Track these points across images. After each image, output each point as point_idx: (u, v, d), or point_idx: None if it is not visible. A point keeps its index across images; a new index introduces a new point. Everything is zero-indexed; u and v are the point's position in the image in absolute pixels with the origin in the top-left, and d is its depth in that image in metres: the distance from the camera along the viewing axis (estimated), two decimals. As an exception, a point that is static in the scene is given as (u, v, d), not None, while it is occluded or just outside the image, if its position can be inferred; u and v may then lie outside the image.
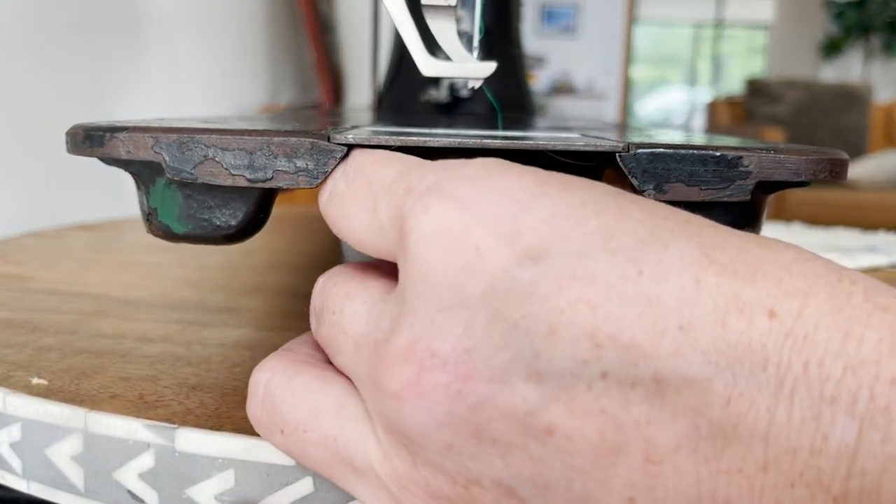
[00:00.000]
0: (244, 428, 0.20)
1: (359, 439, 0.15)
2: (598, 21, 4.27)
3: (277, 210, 0.29)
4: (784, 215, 1.92)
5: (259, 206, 0.18)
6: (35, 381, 0.23)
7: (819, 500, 0.12)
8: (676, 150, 0.17)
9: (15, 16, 0.74)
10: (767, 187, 0.18)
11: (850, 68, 4.58)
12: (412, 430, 0.14)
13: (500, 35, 0.47)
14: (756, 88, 2.91)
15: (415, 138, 0.18)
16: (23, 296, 0.33)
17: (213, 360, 0.25)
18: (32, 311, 0.31)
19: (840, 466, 0.11)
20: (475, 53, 0.29)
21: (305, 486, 0.19)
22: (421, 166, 0.15)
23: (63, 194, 0.81)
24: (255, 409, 0.17)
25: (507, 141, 0.18)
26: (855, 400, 0.11)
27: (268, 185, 0.17)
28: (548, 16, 4.32)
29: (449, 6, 0.22)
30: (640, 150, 0.17)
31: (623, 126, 0.39)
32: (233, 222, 0.18)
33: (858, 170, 2.45)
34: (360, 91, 1.74)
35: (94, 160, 0.18)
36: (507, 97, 0.46)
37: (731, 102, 3.06)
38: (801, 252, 0.13)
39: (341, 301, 0.16)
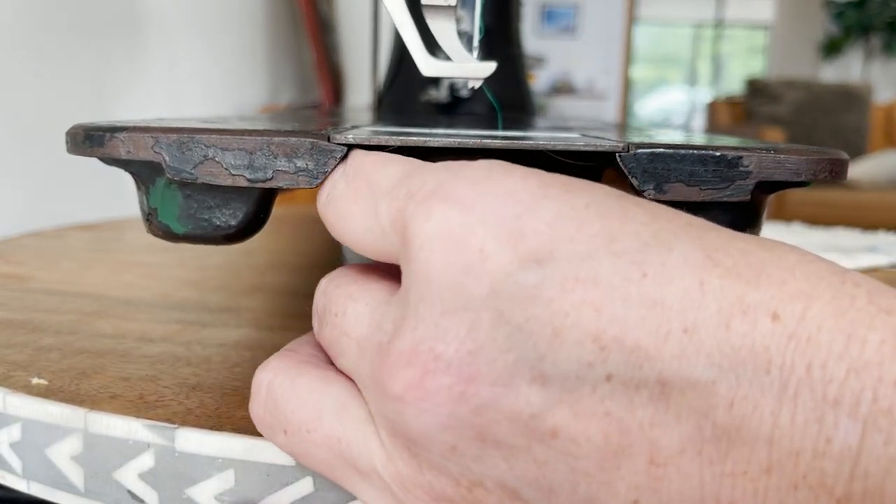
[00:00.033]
0: (244, 428, 0.20)
1: (362, 441, 0.15)
2: (598, 21, 4.27)
3: (277, 210, 0.29)
4: (784, 215, 1.92)
5: (259, 206, 0.18)
6: (35, 381, 0.23)
7: (822, 502, 0.12)
8: (676, 150, 0.17)
9: (15, 16, 0.74)
10: (767, 187, 0.18)
11: (850, 68, 4.58)
12: (415, 432, 0.14)
13: (500, 35, 0.47)
14: (756, 88, 2.91)
15: (415, 138, 0.18)
16: (23, 296, 0.33)
17: (213, 360, 0.25)
18: (32, 311, 0.31)
19: (843, 468, 0.11)
20: (475, 53, 0.29)
21: (305, 486, 0.19)
22: (422, 169, 0.15)
23: (63, 194, 0.81)
24: (258, 409, 0.17)
25: (507, 141, 0.18)
26: (858, 402, 0.11)
27: (268, 185, 0.17)
28: (548, 16, 4.32)
29: (449, 6, 0.22)
30: (640, 150, 0.17)
31: (623, 126, 0.39)
32: (233, 222, 0.18)
33: (858, 170, 2.45)
34: (360, 91, 1.74)
35: (94, 160, 0.18)
36: (507, 97, 0.46)
37: (731, 102, 3.06)
38: (804, 254, 0.13)
39: (344, 303, 0.16)
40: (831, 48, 4.58)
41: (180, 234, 0.18)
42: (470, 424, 0.13)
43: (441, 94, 0.43)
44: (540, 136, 0.20)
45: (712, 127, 2.96)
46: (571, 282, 0.13)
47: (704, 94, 6.38)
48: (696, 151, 0.17)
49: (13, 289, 0.35)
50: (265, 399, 0.17)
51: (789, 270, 0.13)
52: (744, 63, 6.62)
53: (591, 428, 0.13)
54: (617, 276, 0.13)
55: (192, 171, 0.17)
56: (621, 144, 0.17)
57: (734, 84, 5.66)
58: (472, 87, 0.39)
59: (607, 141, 0.18)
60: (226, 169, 0.17)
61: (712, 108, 3.07)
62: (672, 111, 7.00)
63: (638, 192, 0.17)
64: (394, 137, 0.18)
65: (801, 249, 0.14)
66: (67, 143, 0.18)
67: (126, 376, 0.23)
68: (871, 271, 0.44)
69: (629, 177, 0.17)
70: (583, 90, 4.35)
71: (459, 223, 0.13)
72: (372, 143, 0.18)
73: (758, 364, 0.12)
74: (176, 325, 0.29)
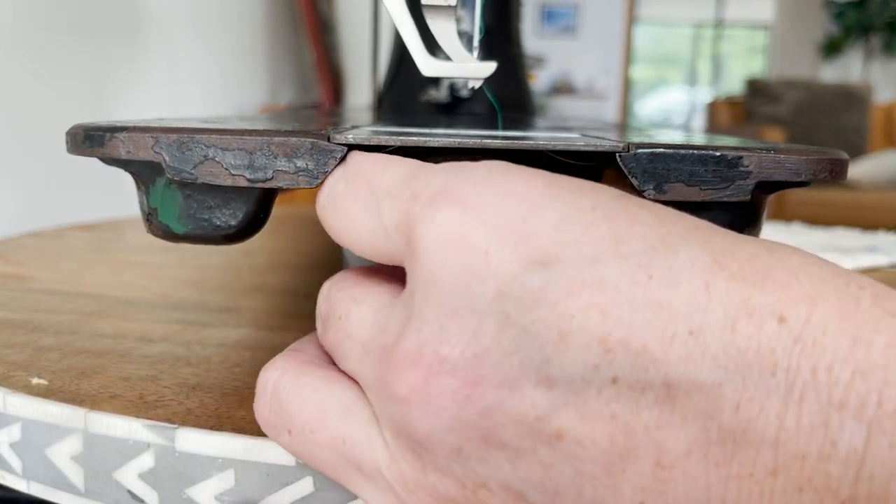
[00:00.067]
0: (244, 428, 0.20)
1: (366, 442, 0.15)
2: (598, 21, 4.27)
3: (277, 210, 0.29)
4: (784, 215, 1.92)
5: (259, 206, 0.18)
6: (35, 381, 0.23)
7: None
8: (676, 150, 0.17)
9: (15, 16, 0.74)
10: (767, 187, 0.18)
11: (850, 68, 4.58)
12: (420, 434, 0.14)
13: (500, 35, 0.47)
14: (756, 88, 2.91)
15: (415, 138, 0.18)
16: (23, 296, 0.33)
17: (213, 360, 0.25)
18: (32, 311, 0.31)
19: (848, 471, 0.11)
20: (475, 53, 0.29)
21: (306, 486, 0.19)
22: (426, 170, 0.15)
23: (63, 194, 0.81)
24: (262, 409, 0.17)
25: (507, 141, 0.18)
26: (863, 405, 0.11)
27: (268, 185, 0.17)
28: (548, 16, 4.32)
29: (449, 6, 0.22)
30: (640, 150, 0.17)
31: (623, 126, 0.39)
32: (233, 222, 0.18)
33: (858, 170, 2.45)
34: (360, 91, 1.74)
35: (94, 160, 0.18)
36: (507, 97, 0.46)
37: (731, 102, 3.06)
38: (807, 257, 0.13)
39: (347, 306, 0.16)
40: (831, 48, 4.58)
41: (180, 234, 0.18)
42: (475, 427, 0.13)
43: (441, 94, 0.43)
44: (540, 136, 0.20)
45: (712, 127, 2.96)
46: (577, 285, 0.13)
47: (704, 94, 6.38)
48: (696, 151, 0.17)
49: (13, 289, 0.35)
50: (270, 399, 0.17)
51: (794, 273, 0.13)
52: (744, 63, 6.63)
53: (597, 430, 0.13)
54: (623, 279, 0.13)
55: (192, 171, 0.17)
56: (621, 144, 0.17)
57: (734, 84, 5.66)
58: (472, 87, 0.39)
59: (607, 141, 0.18)
60: (226, 169, 0.17)
61: (712, 108, 3.07)
62: (672, 111, 7.00)
63: (638, 192, 0.17)
64: (394, 137, 0.18)
65: (804, 252, 0.14)
66: (67, 143, 0.18)
67: (126, 376, 0.23)
68: (871, 271, 0.44)
69: (629, 177, 0.17)
70: (583, 90, 4.35)
71: (464, 225, 0.13)
72: (372, 143, 0.17)
73: (764, 366, 0.12)
74: (176, 325, 0.29)
